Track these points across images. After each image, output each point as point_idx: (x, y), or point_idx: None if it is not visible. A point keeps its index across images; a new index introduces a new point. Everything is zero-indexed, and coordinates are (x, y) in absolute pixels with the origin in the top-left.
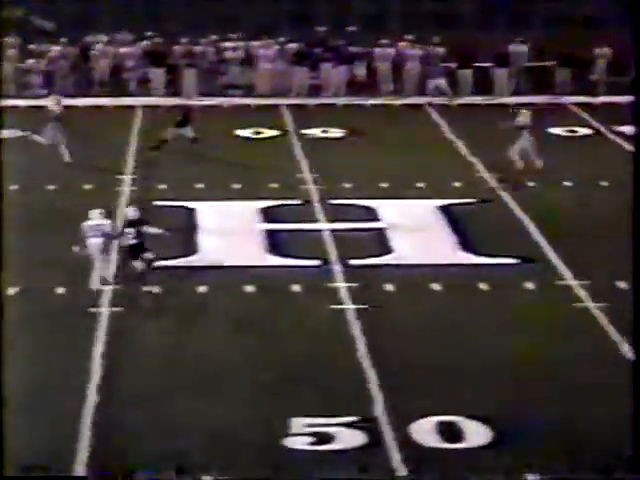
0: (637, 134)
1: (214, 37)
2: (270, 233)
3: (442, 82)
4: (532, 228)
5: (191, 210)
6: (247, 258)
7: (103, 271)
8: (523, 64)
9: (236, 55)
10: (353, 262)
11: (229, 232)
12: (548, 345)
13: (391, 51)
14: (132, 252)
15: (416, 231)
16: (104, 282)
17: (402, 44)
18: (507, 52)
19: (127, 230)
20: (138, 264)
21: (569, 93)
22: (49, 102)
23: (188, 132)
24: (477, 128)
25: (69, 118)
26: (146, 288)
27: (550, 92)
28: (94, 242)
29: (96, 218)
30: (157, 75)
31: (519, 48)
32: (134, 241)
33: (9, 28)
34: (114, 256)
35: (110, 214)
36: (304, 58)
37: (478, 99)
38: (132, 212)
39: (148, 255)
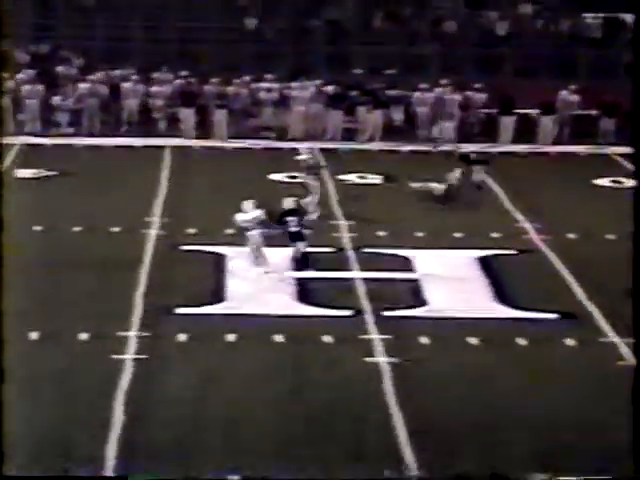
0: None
1: (247, 77)
2: (301, 281)
3: (450, 127)
4: (573, 282)
5: (221, 256)
6: (277, 306)
7: (261, 261)
8: (570, 113)
9: (270, 96)
10: (386, 313)
11: (259, 279)
12: (589, 404)
13: (430, 96)
14: (291, 238)
15: (452, 282)
16: (266, 270)
17: (440, 89)
18: (553, 100)
19: (288, 218)
20: (296, 249)
21: (612, 143)
22: (303, 153)
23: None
24: (517, 176)
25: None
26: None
27: (593, 142)
28: (253, 233)
29: (249, 210)
30: (187, 115)
31: (570, 97)
32: (294, 229)
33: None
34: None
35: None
36: (340, 101)
37: (520, 147)
38: (291, 202)
39: (301, 245)
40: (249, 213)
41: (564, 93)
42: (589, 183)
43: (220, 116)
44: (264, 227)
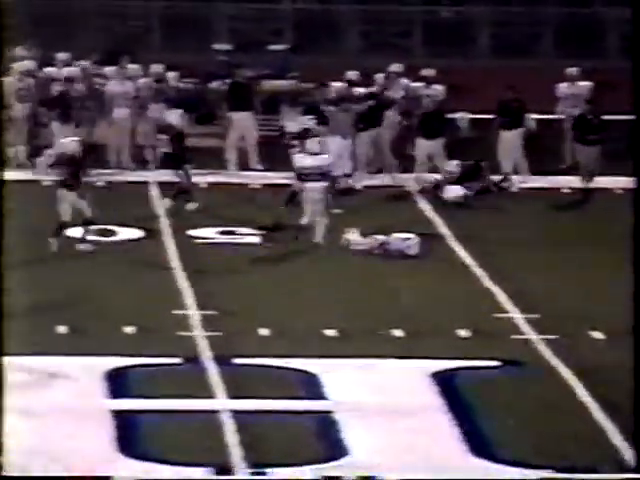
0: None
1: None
2: (124, 417)
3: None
4: (599, 415)
5: None
6: (82, 463)
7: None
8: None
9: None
10: (273, 472)
11: (48, 413)
12: None
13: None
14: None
15: (389, 417)
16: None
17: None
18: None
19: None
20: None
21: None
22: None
23: None
24: (498, 230)
25: None
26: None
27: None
28: (317, 186)
29: (316, 149)
30: None
31: (572, 89)
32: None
33: None
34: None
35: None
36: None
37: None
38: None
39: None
40: (318, 156)
41: (564, 86)
42: (626, 241)
43: None
44: (327, 180)
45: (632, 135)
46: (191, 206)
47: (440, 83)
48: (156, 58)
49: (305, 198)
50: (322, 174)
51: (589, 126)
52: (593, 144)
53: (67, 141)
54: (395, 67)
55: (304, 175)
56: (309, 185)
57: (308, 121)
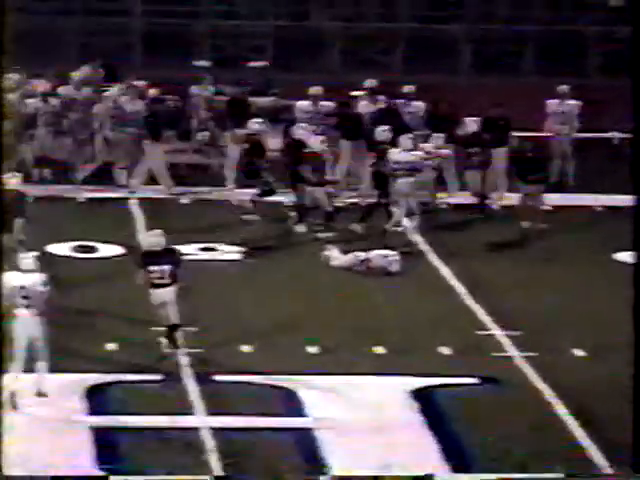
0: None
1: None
2: (103, 434)
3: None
4: (577, 430)
5: None
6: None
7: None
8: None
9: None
10: None
11: (28, 429)
12: None
13: (328, 105)
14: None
15: (370, 434)
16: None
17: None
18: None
19: None
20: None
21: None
22: None
23: None
24: (476, 248)
25: None
26: None
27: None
28: (406, 181)
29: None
30: None
31: (564, 107)
32: None
33: None
34: None
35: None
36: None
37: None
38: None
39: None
40: (411, 152)
41: (554, 103)
42: (605, 258)
43: None
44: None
45: (633, 151)
46: (300, 228)
47: (421, 100)
48: (137, 74)
49: (395, 193)
50: (413, 169)
51: (527, 163)
52: (533, 183)
53: (313, 140)
54: (369, 83)
55: (395, 170)
56: (399, 180)
57: (383, 132)
